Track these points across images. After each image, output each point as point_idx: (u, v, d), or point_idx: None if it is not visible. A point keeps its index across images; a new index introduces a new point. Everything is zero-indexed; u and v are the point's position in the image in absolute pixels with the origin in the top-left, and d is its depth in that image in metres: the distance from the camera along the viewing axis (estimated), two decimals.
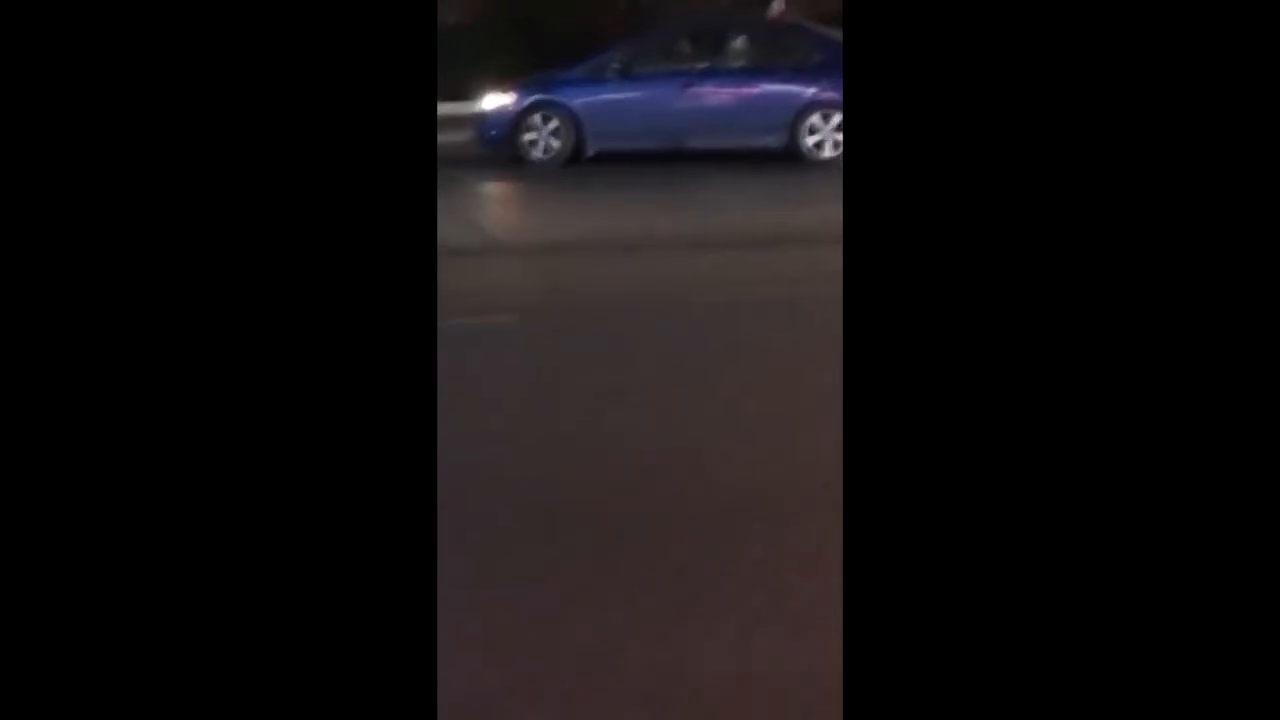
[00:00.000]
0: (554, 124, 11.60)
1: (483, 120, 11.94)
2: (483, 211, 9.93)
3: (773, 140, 11.34)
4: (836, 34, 12.41)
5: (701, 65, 11.81)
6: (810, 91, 11.33)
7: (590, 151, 11.64)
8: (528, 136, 11.61)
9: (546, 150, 11.61)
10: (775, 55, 11.85)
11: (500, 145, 11.70)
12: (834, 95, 11.16)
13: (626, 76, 11.75)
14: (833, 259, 6.93)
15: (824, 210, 8.40)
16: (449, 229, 6.06)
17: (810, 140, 11.31)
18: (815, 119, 11.31)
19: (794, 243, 7.56)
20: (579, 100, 11.61)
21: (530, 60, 13.86)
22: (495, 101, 11.85)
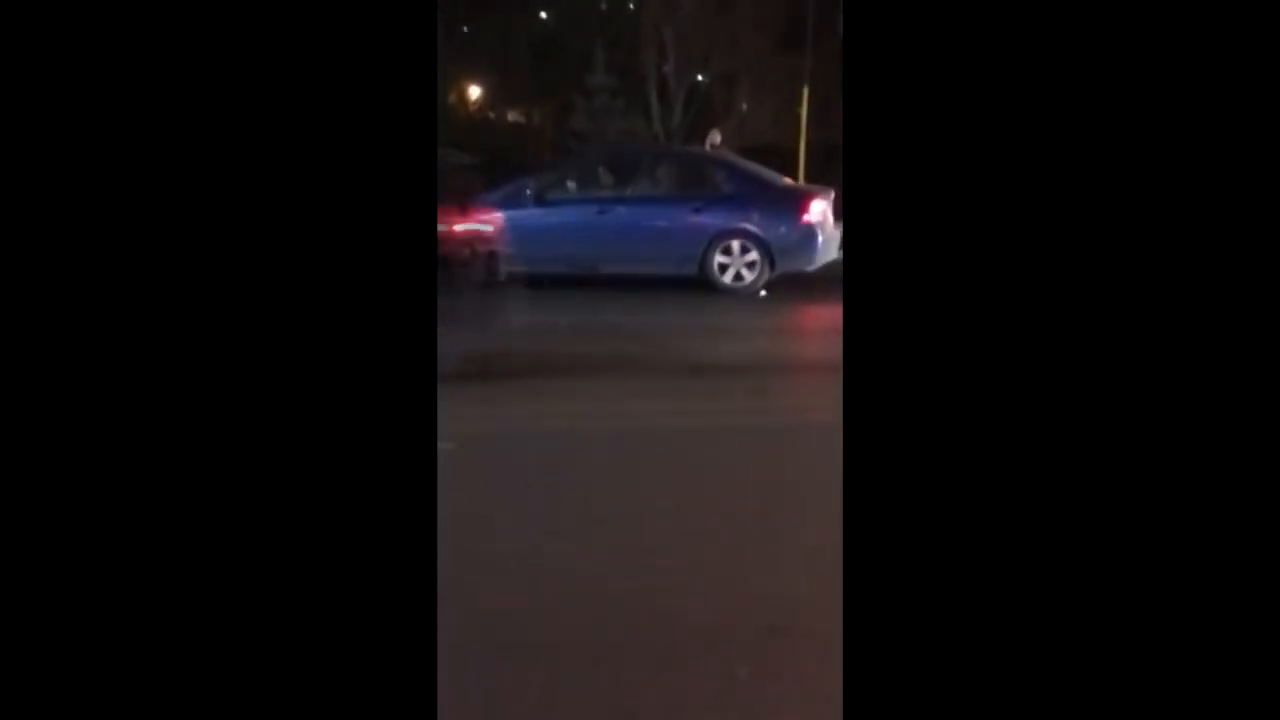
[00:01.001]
0: None
1: None
2: None
3: (684, 269, 11.57)
4: (750, 165, 12.79)
5: (614, 193, 12.06)
6: (721, 222, 11.60)
7: (502, 275, 11.76)
8: None
9: None
10: (688, 185, 12.10)
11: None
12: (744, 225, 11.51)
13: (541, 203, 11.93)
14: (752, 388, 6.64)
15: (742, 343, 8.71)
16: None
17: (720, 269, 11.57)
18: (725, 248, 11.57)
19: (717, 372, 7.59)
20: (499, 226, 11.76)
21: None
22: None
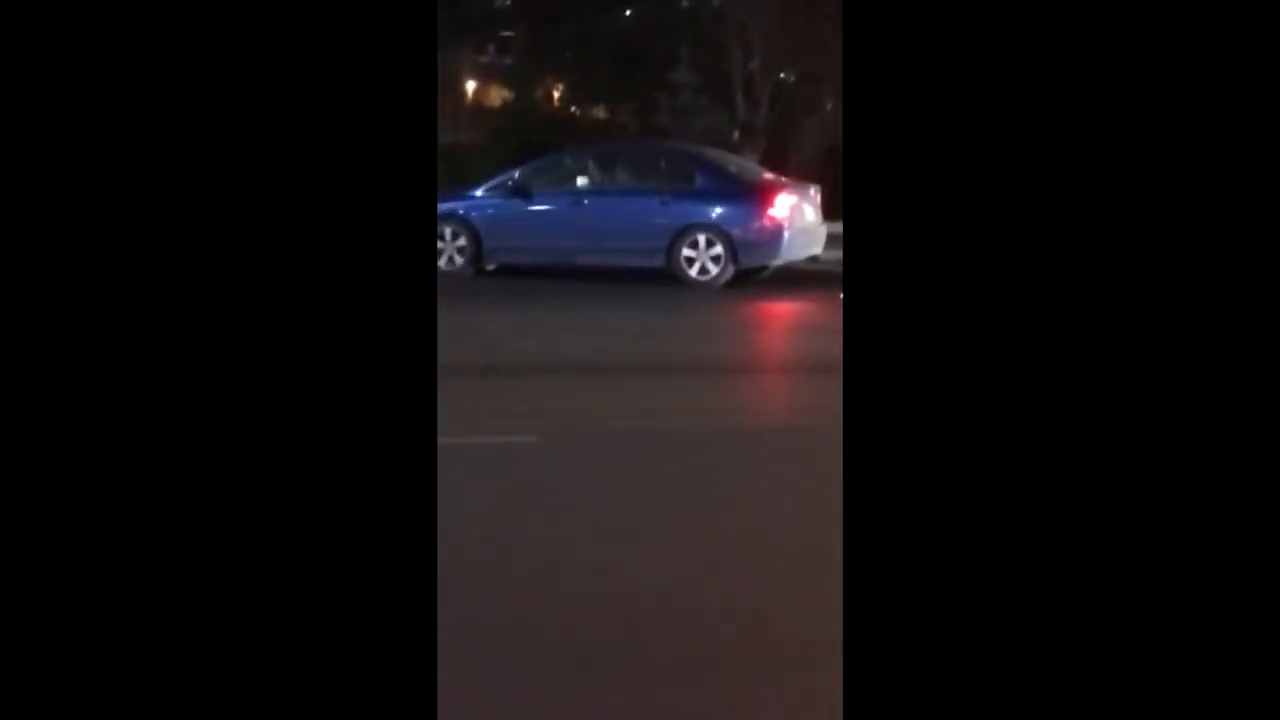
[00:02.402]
0: (461, 239, 12.20)
1: None
2: None
3: (651, 261, 11.79)
4: (729, 159, 12.98)
5: (591, 186, 12.37)
6: (687, 216, 11.79)
7: (489, 265, 12.29)
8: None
9: (451, 262, 12.24)
10: (663, 179, 12.31)
11: None
12: (709, 220, 11.73)
13: (524, 195, 12.32)
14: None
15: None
16: None
17: (686, 263, 11.75)
18: (692, 242, 11.75)
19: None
20: (479, 215, 12.31)
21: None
22: None
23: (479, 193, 12.56)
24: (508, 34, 23.97)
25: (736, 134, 16.57)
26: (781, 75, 21.96)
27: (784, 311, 10.71)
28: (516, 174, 12.58)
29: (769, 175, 12.84)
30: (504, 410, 6.14)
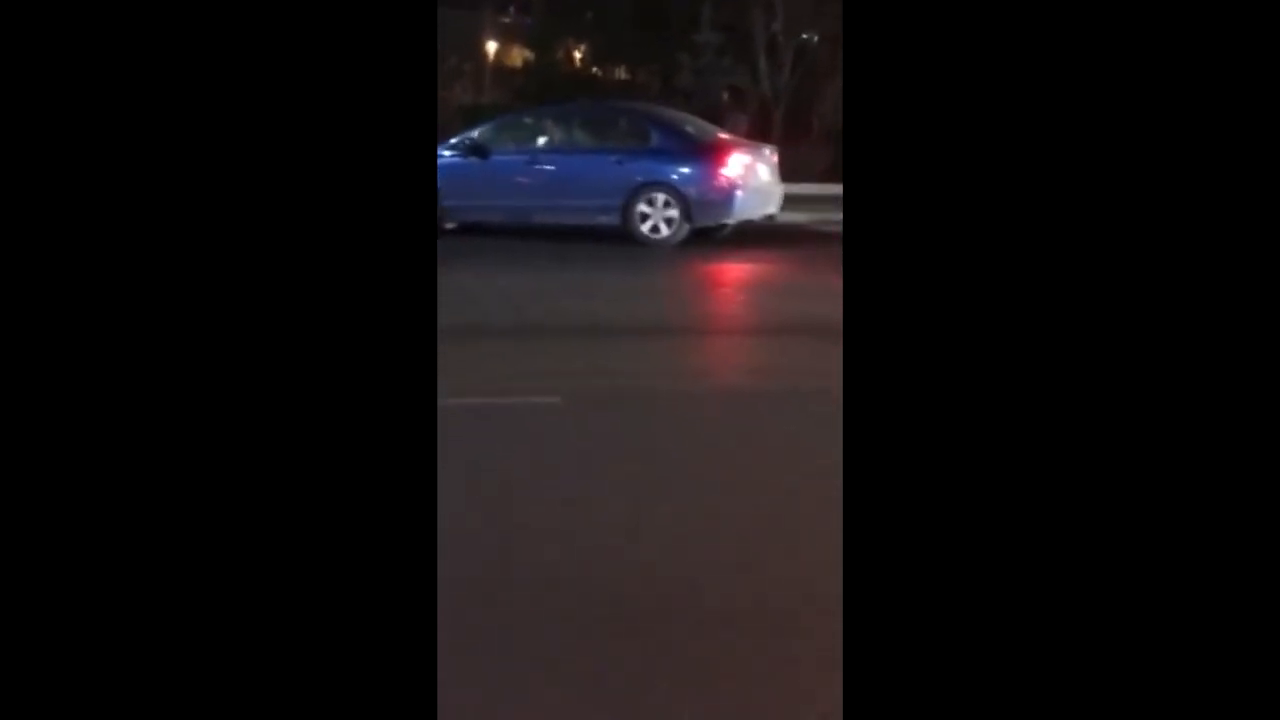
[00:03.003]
0: None
1: None
2: None
3: (607, 219, 11.80)
4: (684, 119, 12.83)
5: (547, 145, 12.36)
6: (642, 174, 11.78)
7: (448, 224, 12.26)
8: None
9: None
10: (618, 139, 12.31)
11: None
12: (663, 178, 11.66)
13: (482, 155, 12.31)
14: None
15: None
16: None
17: (640, 220, 11.74)
18: (649, 200, 11.74)
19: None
20: (438, 175, 12.25)
21: None
22: None
23: (440, 153, 12.52)
24: None
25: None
26: (804, 37, 21.61)
27: (742, 272, 10.55)
28: (475, 133, 12.57)
29: (723, 135, 12.66)
30: (524, 371, 6.16)
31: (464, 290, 8.41)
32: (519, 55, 24.60)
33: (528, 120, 13.06)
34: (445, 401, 1.69)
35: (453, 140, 12.57)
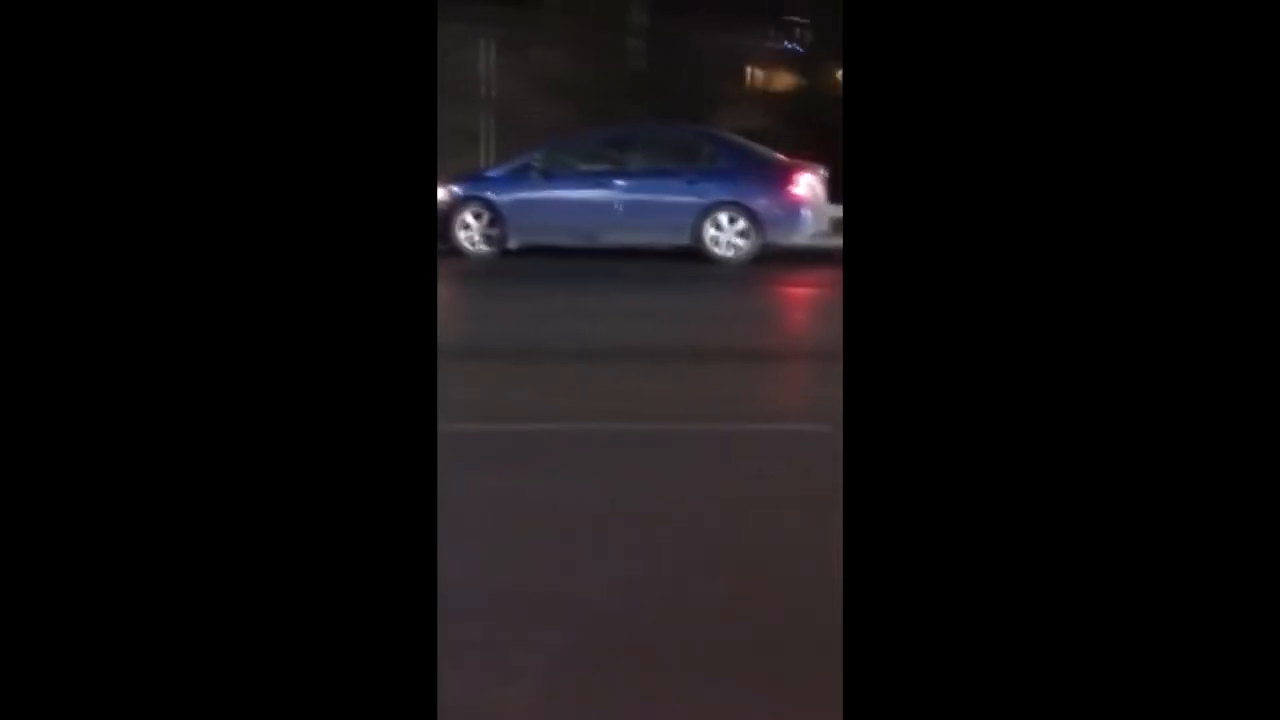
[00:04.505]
0: (485, 219, 12.44)
1: None
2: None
3: (678, 239, 12.17)
4: (743, 141, 13.27)
5: (614, 167, 12.69)
6: (713, 194, 12.19)
7: (512, 244, 12.48)
8: (462, 232, 12.51)
9: (474, 244, 12.44)
10: (683, 160, 12.68)
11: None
12: (734, 198, 12.11)
13: (546, 176, 12.58)
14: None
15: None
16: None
17: (712, 241, 12.14)
18: (716, 220, 12.15)
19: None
20: (503, 197, 12.51)
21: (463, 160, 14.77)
22: None
23: (500, 174, 12.78)
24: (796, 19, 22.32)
25: None
26: None
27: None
28: (537, 155, 12.81)
29: (784, 157, 13.10)
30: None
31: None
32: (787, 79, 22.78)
33: (591, 142, 13.36)
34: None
35: (514, 163, 12.82)
